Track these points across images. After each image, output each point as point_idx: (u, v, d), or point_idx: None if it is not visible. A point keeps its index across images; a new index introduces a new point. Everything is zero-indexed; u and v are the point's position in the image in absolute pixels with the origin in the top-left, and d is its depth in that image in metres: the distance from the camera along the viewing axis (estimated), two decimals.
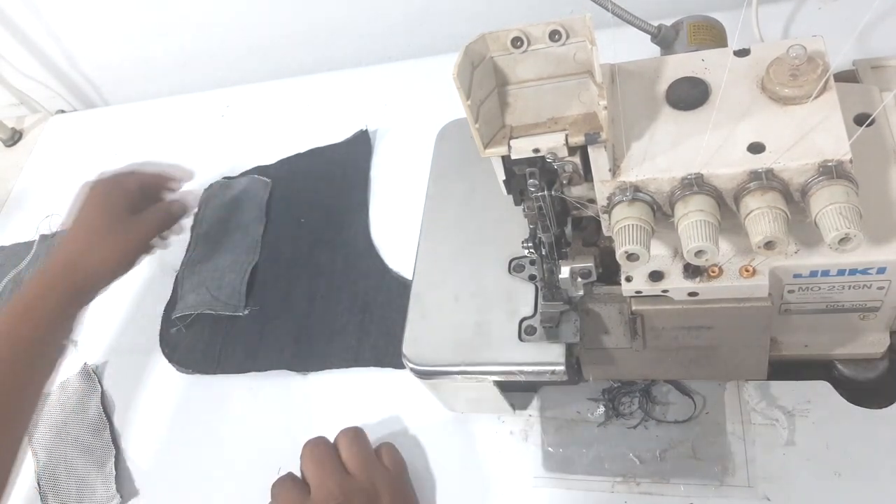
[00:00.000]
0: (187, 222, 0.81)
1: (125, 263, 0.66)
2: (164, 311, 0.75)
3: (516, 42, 0.43)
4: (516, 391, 0.58)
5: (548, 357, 0.51)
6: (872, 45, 0.69)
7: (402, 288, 0.68)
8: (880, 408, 0.51)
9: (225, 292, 0.72)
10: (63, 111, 1.07)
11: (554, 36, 0.42)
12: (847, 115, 0.42)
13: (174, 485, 0.64)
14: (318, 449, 0.56)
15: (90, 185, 0.69)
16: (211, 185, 0.84)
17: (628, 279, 0.47)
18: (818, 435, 0.51)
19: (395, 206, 0.76)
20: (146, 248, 0.68)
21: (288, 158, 0.84)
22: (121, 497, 0.64)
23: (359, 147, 0.82)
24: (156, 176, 0.72)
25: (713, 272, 0.46)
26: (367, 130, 0.83)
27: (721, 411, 0.54)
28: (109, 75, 1.05)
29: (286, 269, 0.74)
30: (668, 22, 0.59)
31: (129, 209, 0.67)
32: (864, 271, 0.45)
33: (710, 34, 0.56)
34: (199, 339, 0.72)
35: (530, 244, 0.51)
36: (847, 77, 0.57)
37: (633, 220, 0.42)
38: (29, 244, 0.87)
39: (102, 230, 0.65)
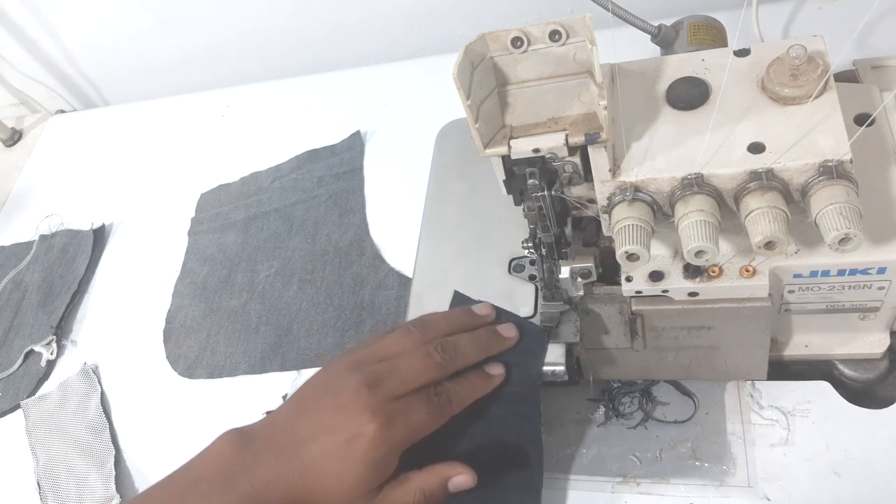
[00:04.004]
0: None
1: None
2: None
3: (516, 42, 0.43)
4: None
5: (548, 357, 0.51)
6: (872, 45, 0.69)
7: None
8: (880, 408, 0.51)
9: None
10: (63, 111, 1.07)
11: (554, 36, 0.42)
12: (847, 115, 0.42)
13: None
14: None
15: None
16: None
17: (628, 279, 0.47)
18: (818, 435, 0.51)
19: (395, 207, 0.76)
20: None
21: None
22: (120, 497, 0.64)
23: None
24: None
25: (713, 272, 0.46)
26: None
27: (721, 411, 0.54)
28: (109, 75, 1.05)
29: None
30: (668, 22, 0.59)
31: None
32: (865, 271, 0.45)
33: (710, 34, 0.56)
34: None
35: (530, 244, 0.51)
36: (847, 77, 0.57)
37: (633, 220, 0.42)
38: (29, 244, 0.87)
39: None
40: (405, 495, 0.46)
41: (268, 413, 0.52)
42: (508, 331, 0.52)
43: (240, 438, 0.48)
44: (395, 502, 0.46)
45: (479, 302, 0.54)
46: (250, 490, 0.45)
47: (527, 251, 0.54)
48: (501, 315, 0.53)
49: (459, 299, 0.56)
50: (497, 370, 0.51)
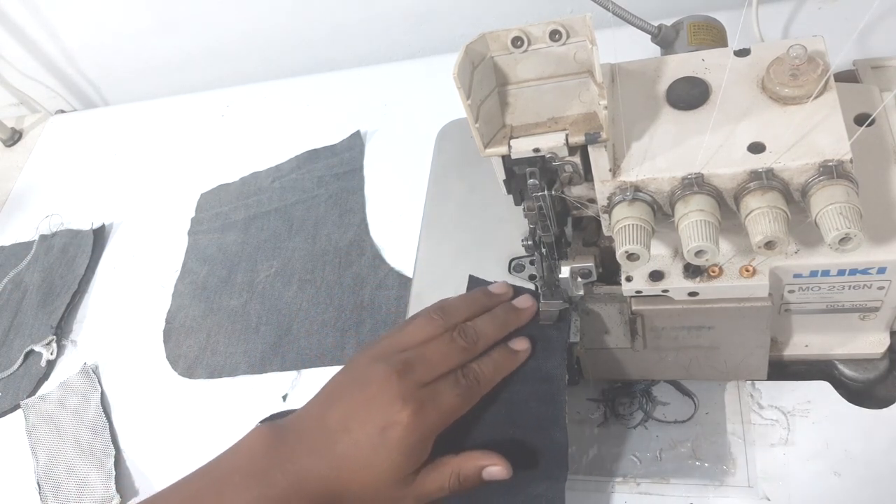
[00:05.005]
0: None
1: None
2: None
3: (516, 42, 0.43)
4: None
5: None
6: (872, 45, 0.69)
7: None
8: (880, 408, 0.51)
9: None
10: (63, 111, 1.07)
11: (554, 36, 0.42)
12: (847, 115, 0.42)
13: None
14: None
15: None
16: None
17: (628, 279, 0.47)
18: (818, 435, 0.51)
19: (395, 207, 0.76)
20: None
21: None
22: (120, 497, 0.64)
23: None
24: None
25: (713, 272, 0.46)
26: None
27: (721, 411, 0.54)
28: (109, 75, 1.05)
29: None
30: (669, 22, 0.59)
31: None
32: (865, 271, 0.45)
33: (711, 34, 0.56)
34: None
35: (530, 242, 0.51)
36: (847, 77, 0.57)
37: (633, 219, 0.42)
38: (29, 244, 0.87)
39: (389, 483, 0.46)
40: (441, 478, 0.46)
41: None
42: (524, 301, 0.52)
43: (273, 432, 0.48)
44: (431, 485, 0.46)
45: (495, 283, 0.54)
46: (285, 483, 0.45)
47: (524, 248, 0.54)
48: (519, 293, 0.53)
49: (475, 282, 0.56)
50: (522, 345, 0.50)
